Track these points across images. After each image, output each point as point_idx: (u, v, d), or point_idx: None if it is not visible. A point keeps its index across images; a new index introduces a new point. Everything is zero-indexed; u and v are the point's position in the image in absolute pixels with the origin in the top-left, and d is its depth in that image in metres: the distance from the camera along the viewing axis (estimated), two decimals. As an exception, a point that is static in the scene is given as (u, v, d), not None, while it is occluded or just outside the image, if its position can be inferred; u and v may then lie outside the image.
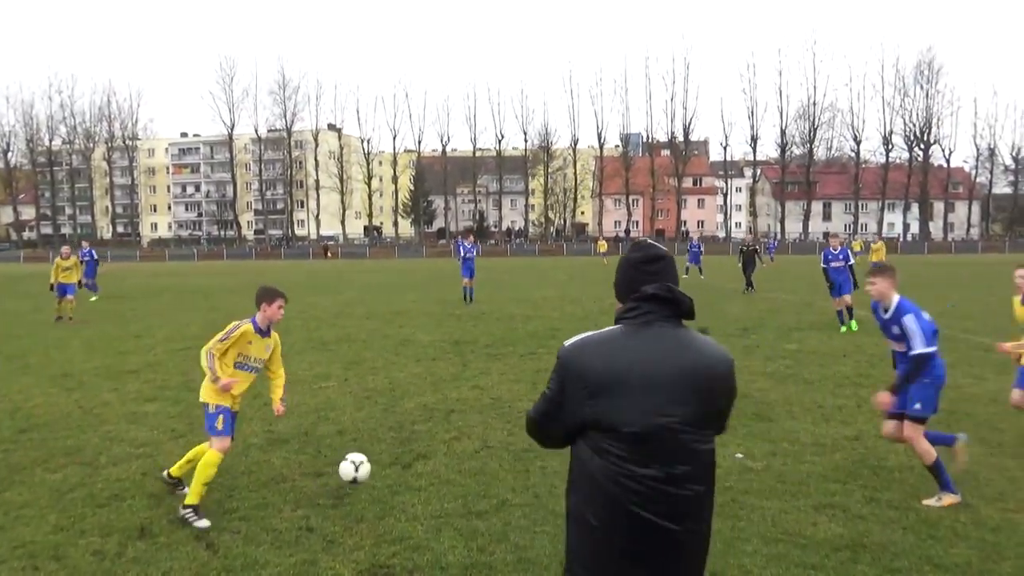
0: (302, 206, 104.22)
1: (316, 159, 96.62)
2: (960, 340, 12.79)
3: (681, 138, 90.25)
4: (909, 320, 5.36)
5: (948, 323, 15.24)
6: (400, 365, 11.19)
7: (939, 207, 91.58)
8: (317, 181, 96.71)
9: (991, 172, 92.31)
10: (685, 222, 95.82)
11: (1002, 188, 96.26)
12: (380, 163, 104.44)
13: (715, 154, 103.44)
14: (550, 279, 33.52)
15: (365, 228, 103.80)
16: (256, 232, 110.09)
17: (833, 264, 14.80)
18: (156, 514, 5.32)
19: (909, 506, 5.24)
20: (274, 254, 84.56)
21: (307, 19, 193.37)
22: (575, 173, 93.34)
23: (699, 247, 34.26)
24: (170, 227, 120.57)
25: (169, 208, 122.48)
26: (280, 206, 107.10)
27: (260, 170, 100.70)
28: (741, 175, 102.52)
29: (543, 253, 79.05)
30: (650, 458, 2.27)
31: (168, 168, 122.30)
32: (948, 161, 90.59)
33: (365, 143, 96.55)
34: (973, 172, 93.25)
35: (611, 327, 2.42)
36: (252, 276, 41.17)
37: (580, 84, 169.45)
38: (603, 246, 55.51)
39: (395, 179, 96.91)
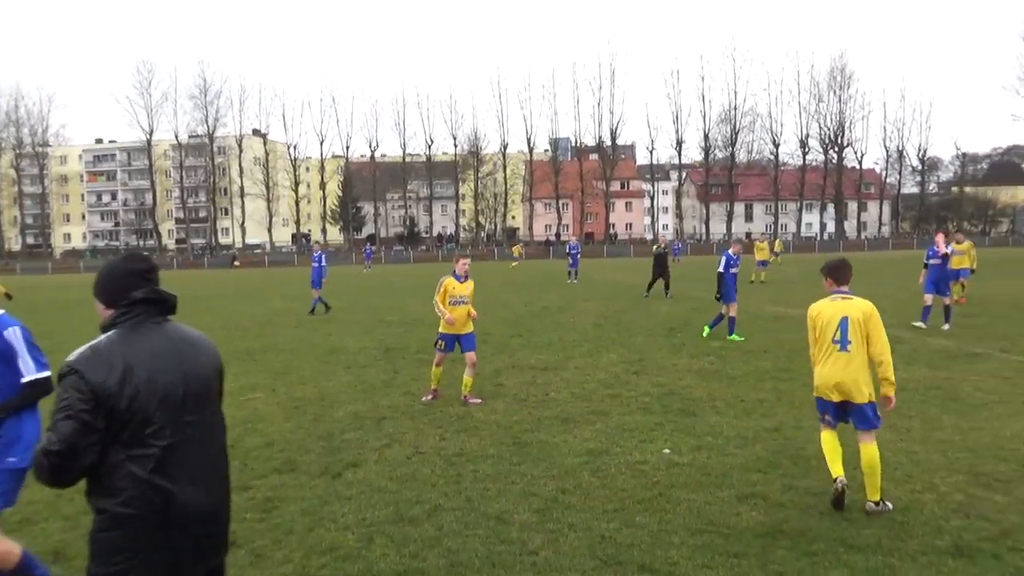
0: (226, 214, 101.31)
1: (240, 165, 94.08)
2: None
3: (609, 142, 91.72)
4: None
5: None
6: (329, 374, 11.02)
7: (853, 207, 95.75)
8: (242, 188, 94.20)
9: (900, 173, 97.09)
10: (614, 225, 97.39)
11: (910, 188, 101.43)
12: (307, 169, 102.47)
13: (642, 158, 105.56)
14: (481, 284, 33.55)
15: (293, 235, 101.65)
16: (178, 241, 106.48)
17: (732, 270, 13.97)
18: (71, 537, 5.10)
19: (825, 492, 5.47)
20: (197, 263, 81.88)
21: (229, 21, 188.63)
22: (505, 178, 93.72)
23: (578, 249, 33.93)
24: (85, 237, 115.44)
25: (84, 218, 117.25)
26: (203, 214, 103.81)
27: (181, 177, 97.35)
28: (667, 178, 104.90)
29: (474, 258, 78.86)
30: (180, 463, 2.59)
31: (82, 176, 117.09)
32: (860, 163, 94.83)
33: (291, 149, 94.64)
34: (883, 173, 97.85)
35: (108, 334, 2.66)
36: (173, 286, 39.71)
37: (508, 89, 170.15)
38: (517, 250, 56.22)
39: (323, 185, 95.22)
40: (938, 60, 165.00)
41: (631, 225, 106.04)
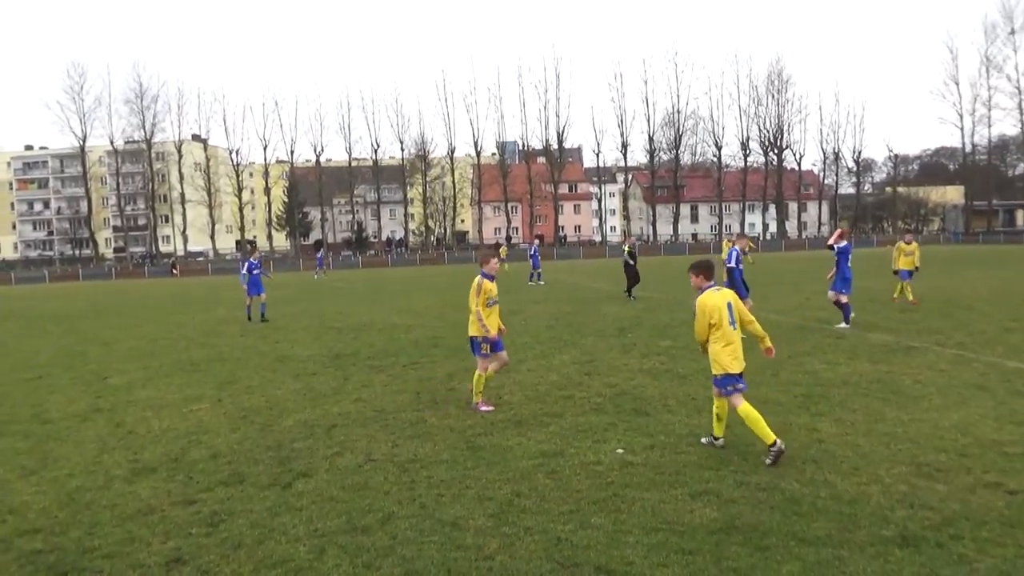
0: (167, 221, 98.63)
1: (180, 171, 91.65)
2: (815, 329, 13.75)
3: (556, 145, 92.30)
4: None
5: (804, 314, 16.37)
6: (278, 382, 10.78)
7: (793, 207, 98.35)
8: (183, 194, 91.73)
9: (836, 174, 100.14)
10: (563, 227, 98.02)
11: (847, 189, 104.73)
12: (251, 175, 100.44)
13: (588, 160, 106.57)
14: (432, 288, 33.35)
15: (237, 242, 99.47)
16: (116, 250, 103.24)
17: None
18: (4, 560, 4.85)
19: (776, 487, 5.57)
20: (136, 273, 79.38)
21: (165, 23, 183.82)
22: (453, 181, 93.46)
23: (536, 250, 33.60)
24: (16, 248, 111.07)
25: (14, 227, 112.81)
26: (142, 222, 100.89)
27: (118, 184, 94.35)
28: (614, 180, 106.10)
29: (424, 262, 78.53)
30: None
31: (11, 184, 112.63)
32: (799, 164, 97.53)
33: (234, 154, 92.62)
34: (821, 174, 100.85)
35: None
36: (112, 297, 38.54)
37: (455, 92, 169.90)
38: (504, 251, 54.85)
39: (267, 191, 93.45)
40: (870, 65, 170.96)
41: (580, 227, 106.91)
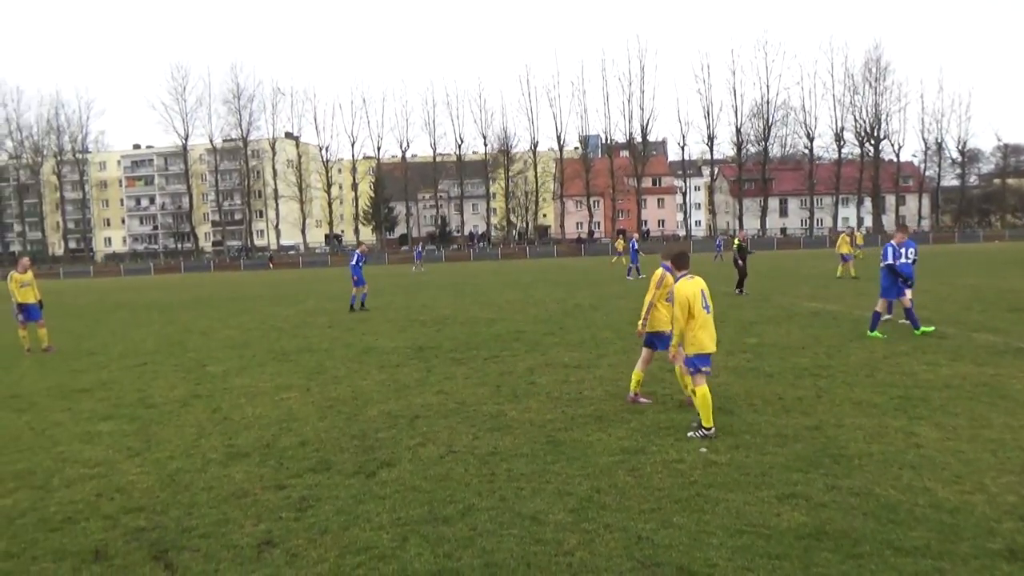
0: (261, 216, 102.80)
1: (274, 168, 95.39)
2: (911, 329, 13.05)
3: (639, 139, 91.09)
4: None
5: (899, 312, 15.57)
6: (363, 373, 11.06)
7: (891, 200, 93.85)
8: (275, 190, 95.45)
9: (939, 166, 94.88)
10: (646, 222, 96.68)
11: (950, 181, 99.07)
12: (339, 171, 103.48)
13: (673, 154, 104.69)
14: (513, 282, 33.50)
15: (326, 236, 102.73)
16: (214, 244, 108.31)
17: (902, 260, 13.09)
18: (111, 536, 5.16)
19: (870, 492, 5.32)
20: (233, 265, 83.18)
21: (261, 26, 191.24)
22: (536, 176, 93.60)
23: (636, 244, 34.46)
24: (125, 241, 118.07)
25: (123, 222, 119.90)
26: (238, 216, 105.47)
27: (216, 180, 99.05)
28: (699, 174, 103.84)
29: (506, 256, 79.07)
30: None
31: (121, 181, 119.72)
32: (898, 156, 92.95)
33: (323, 151, 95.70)
34: (922, 166, 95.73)
35: None
36: (210, 289, 40.47)
37: (538, 87, 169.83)
38: (620, 245, 52.68)
39: (355, 186, 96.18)
40: (977, 49, 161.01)
41: (663, 221, 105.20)
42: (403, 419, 8.08)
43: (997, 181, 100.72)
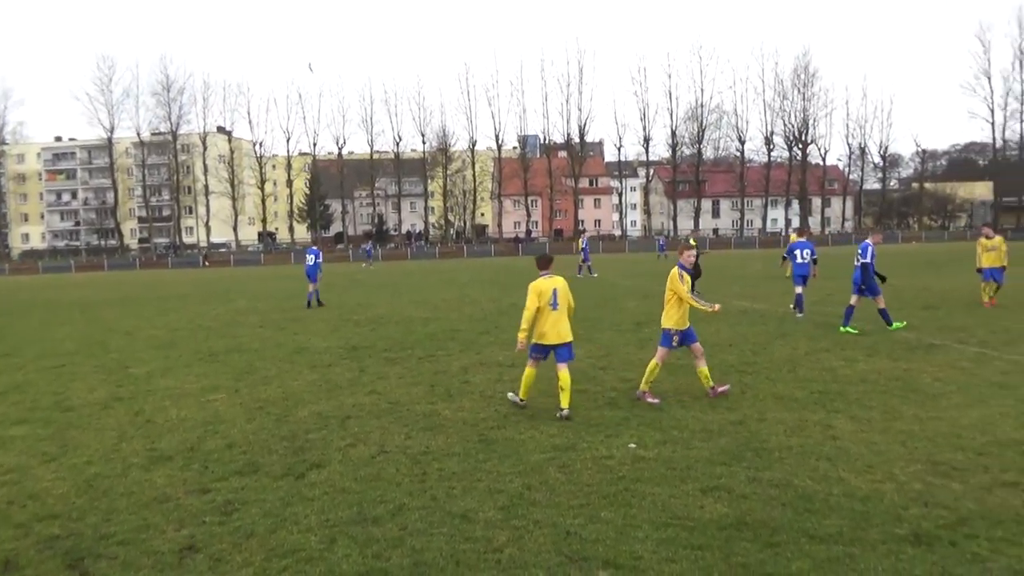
0: (190, 212, 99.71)
1: (205, 163, 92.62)
2: (834, 326, 13.59)
3: (577, 139, 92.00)
4: None
5: (823, 310, 16.19)
6: (294, 373, 10.87)
7: (817, 203, 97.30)
8: (206, 186, 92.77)
9: (862, 170, 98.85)
10: (583, 221, 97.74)
11: (872, 184, 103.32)
12: (274, 167, 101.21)
13: (610, 155, 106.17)
14: (450, 281, 33.42)
15: (259, 234, 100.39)
16: (140, 241, 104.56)
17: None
18: (23, 545, 4.94)
19: (789, 483, 5.52)
20: (160, 263, 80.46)
21: (192, 17, 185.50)
22: (474, 175, 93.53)
23: (587, 244, 35.14)
24: (44, 238, 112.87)
25: (42, 217, 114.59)
26: (166, 213, 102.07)
27: (144, 175, 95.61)
28: (635, 175, 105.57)
29: (444, 255, 78.79)
30: None
31: (40, 174, 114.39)
32: (824, 160, 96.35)
33: (257, 146, 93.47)
34: (846, 170, 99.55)
35: None
36: (135, 287, 39.08)
37: (476, 86, 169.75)
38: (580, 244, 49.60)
39: (290, 183, 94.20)
40: (898, 59, 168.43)
41: (600, 222, 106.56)
42: (334, 420, 7.98)
43: (915, 185, 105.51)
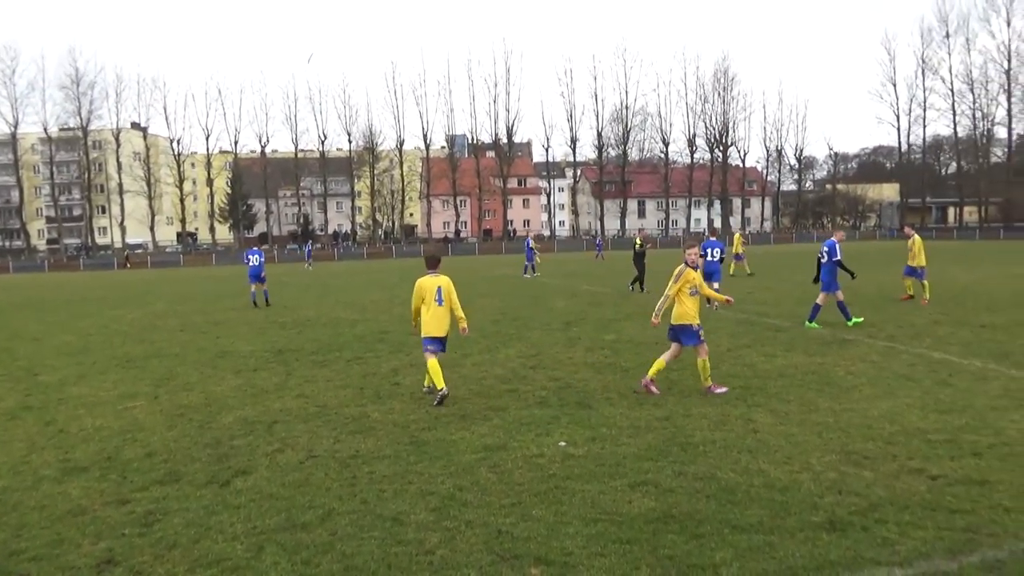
0: (103, 212, 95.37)
1: (118, 160, 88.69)
2: (755, 323, 14.10)
3: (505, 140, 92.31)
4: None
5: (746, 307, 16.76)
6: (217, 378, 10.56)
7: (737, 203, 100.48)
8: (120, 184, 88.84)
9: (779, 171, 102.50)
10: (512, 221, 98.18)
11: (789, 185, 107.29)
12: (193, 165, 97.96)
13: (538, 155, 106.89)
14: (379, 282, 33.05)
15: (178, 234, 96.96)
16: (49, 241, 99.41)
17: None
18: (-78, 565, 4.65)
19: (713, 476, 5.71)
20: (71, 265, 76.66)
21: (104, 7, 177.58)
22: (402, 174, 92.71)
23: (531, 244, 35.51)
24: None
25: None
26: (77, 212, 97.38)
27: (52, 173, 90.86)
28: (563, 175, 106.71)
29: (372, 256, 77.83)
30: None
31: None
32: (744, 161, 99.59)
33: (175, 143, 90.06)
34: (765, 171, 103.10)
35: None
36: (44, 290, 37.13)
37: (404, 85, 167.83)
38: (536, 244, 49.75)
39: (210, 182, 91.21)
40: (812, 66, 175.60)
41: (528, 222, 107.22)
42: (260, 425, 7.80)
43: (828, 186, 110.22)
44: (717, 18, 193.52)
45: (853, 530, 4.65)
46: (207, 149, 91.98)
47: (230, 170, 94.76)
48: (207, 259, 76.87)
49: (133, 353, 13.29)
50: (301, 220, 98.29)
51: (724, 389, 8.52)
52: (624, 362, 10.60)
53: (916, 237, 17.44)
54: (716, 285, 16.82)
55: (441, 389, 8.35)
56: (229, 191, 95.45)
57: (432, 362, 8.51)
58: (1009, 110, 79.69)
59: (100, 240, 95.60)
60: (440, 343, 8.56)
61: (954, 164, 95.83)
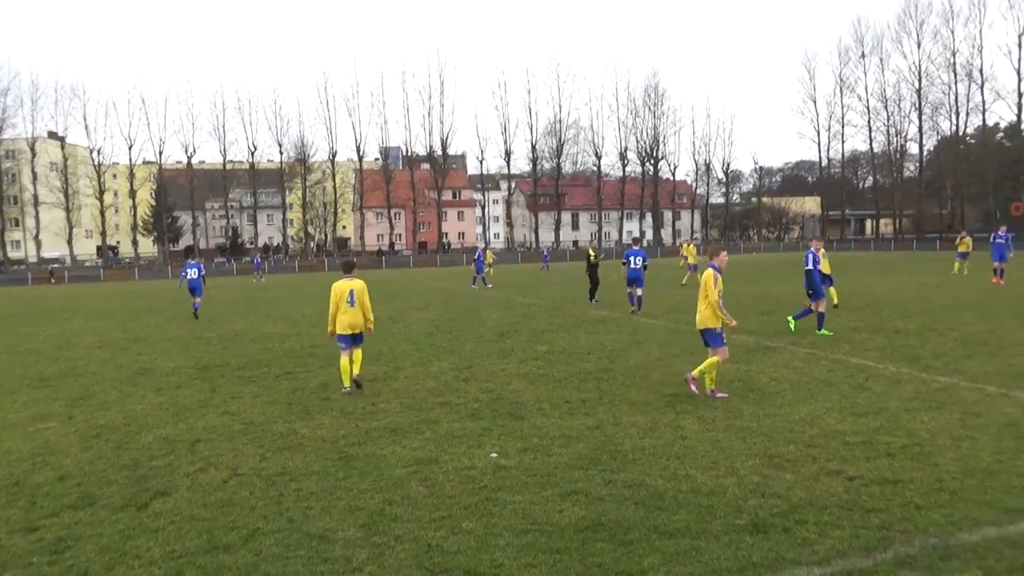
0: (17, 225, 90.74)
1: (34, 171, 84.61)
2: (684, 332, 14.39)
3: (440, 152, 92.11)
4: None
5: (677, 317, 17.10)
6: (137, 397, 10.15)
7: (668, 215, 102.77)
8: (36, 196, 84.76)
9: (708, 185, 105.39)
10: (446, 234, 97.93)
11: (717, 198, 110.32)
12: (115, 176, 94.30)
13: (472, 168, 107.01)
14: (310, 296, 32.38)
15: (98, 248, 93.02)
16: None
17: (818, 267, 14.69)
18: None
19: (641, 483, 5.78)
20: (-18, 281, 72.61)
21: (17, 10, 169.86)
22: (335, 186, 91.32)
23: (481, 256, 35.88)
24: None
25: None
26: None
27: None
28: (498, 188, 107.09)
29: (304, 269, 76.34)
30: None
31: None
32: (674, 175, 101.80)
33: (95, 153, 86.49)
34: (694, 184, 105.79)
35: None
36: (-49, 308, 35.04)
37: (336, 96, 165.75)
38: (491, 256, 40.98)
39: (133, 193, 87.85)
40: (738, 82, 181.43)
41: (463, 234, 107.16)
42: (182, 444, 7.53)
43: (754, 199, 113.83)
44: (647, 35, 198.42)
45: (775, 531, 4.78)
46: (130, 160, 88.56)
47: (154, 181, 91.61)
48: (129, 273, 73.97)
49: (46, 372, 12.66)
50: (230, 233, 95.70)
51: (724, 395, 8.72)
52: (556, 372, 10.67)
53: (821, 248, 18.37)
54: (640, 291, 18.18)
55: (345, 388, 9.68)
56: (153, 203, 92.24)
57: (343, 360, 9.73)
58: (920, 127, 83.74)
59: (13, 255, 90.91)
60: (351, 340, 9.73)
61: (871, 178, 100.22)
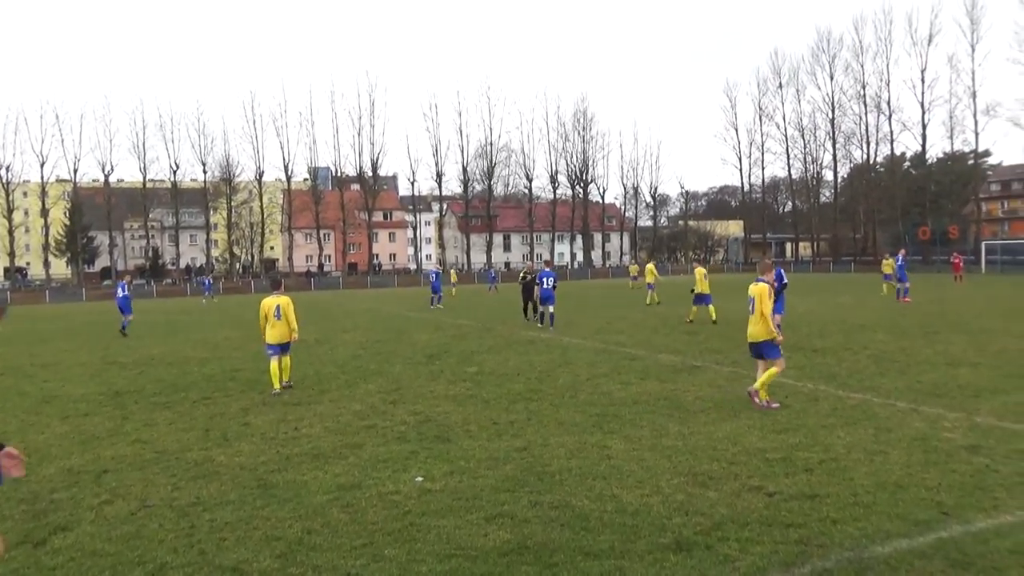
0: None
1: (-66, 188, 79.92)
2: (613, 352, 14.54)
3: (370, 173, 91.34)
4: None
5: (605, 338, 17.27)
6: (41, 426, 9.56)
7: (598, 238, 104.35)
8: (-64, 215, 79.95)
9: (636, 208, 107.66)
10: (377, 255, 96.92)
11: (645, 221, 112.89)
12: (25, 194, 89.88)
13: (404, 189, 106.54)
14: (234, 318, 31.42)
15: (5, 269, 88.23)
16: None
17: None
18: None
19: (568, 504, 5.74)
20: None
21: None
22: (262, 206, 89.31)
23: (436, 275, 35.78)
24: None
25: None
26: None
27: None
28: (429, 209, 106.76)
29: (229, 291, 74.11)
30: None
31: None
32: (603, 198, 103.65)
33: (4, 171, 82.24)
34: (623, 208, 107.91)
35: None
36: None
37: (263, 115, 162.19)
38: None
39: (45, 212, 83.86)
40: (664, 109, 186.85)
41: (395, 255, 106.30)
42: (88, 475, 7.11)
43: (681, 222, 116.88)
44: (576, 61, 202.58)
45: (698, 549, 4.80)
46: (42, 177, 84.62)
47: (69, 200, 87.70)
48: (39, 296, 70.30)
49: (-60, 401, 11.83)
50: (150, 254, 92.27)
51: (777, 405, 9.01)
52: (485, 394, 10.58)
53: (701, 269, 21.52)
54: (551, 308, 19.93)
55: (274, 390, 10.99)
56: (67, 223, 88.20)
57: (273, 365, 11.20)
58: (835, 155, 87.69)
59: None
60: (279, 348, 11.21)
61: (790, 203, 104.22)
